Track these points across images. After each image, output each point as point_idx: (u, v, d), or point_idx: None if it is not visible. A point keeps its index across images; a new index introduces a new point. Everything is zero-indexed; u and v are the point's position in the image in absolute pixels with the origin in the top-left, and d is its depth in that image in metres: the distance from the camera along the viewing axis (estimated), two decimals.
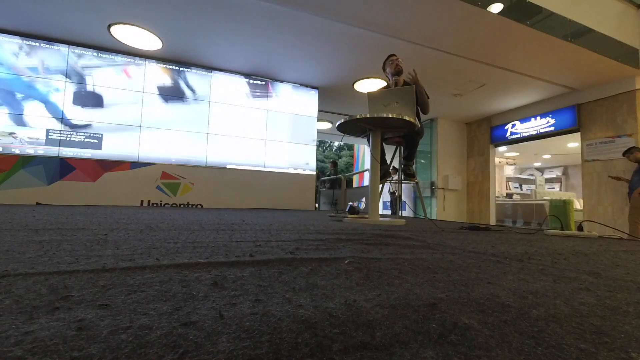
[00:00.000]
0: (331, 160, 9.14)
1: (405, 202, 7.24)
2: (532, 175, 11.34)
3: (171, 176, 4.48)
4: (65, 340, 0.30)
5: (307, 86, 5.41)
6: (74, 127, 4.12)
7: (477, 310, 0.45)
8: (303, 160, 5.30)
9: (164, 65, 4.61)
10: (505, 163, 10.90)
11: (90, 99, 4.22)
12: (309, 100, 5.43)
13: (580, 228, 2.01)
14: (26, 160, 3.87)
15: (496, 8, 3.31)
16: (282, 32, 3.84)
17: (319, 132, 6.80)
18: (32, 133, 3.95)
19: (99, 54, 4.31)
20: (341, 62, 4.54)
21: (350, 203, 3.26)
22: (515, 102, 5.79)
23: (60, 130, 4.06)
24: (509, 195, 9.89)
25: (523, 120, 5.96)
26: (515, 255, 1.00)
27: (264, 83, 5.13)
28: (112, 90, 4.33)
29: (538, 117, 5.68)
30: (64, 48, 4.15)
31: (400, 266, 0.74)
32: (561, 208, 2.06)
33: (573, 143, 7.59)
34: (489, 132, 6.64)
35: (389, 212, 8.21)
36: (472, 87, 5.19)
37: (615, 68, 4.23)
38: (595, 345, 0.35)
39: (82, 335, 0.31)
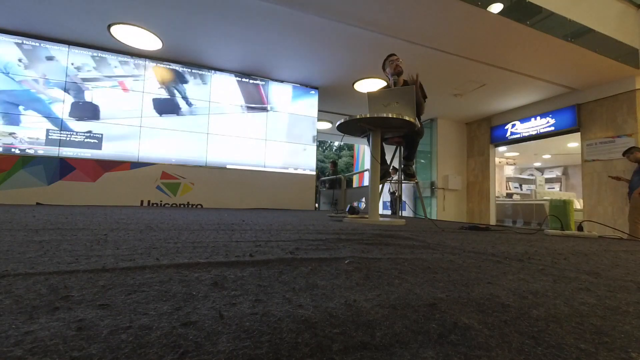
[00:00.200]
0: (331, 160, 9.14)
1: (405, 202, 7.24)
2: (532, 175, 11.34)
3: (171, 176, 4.48)
4: (65, 340, 0.30)
5: (307, 86, 5.41)
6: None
7: (477, 310, 0.45)
8: (303, 160, 5.30)
9: (164, 65, 4.61)
10: (505, 163, 10.90)
11: (88, 110, 4.21)
12: (309, 100, 5.43)
13: (580, 228, 2.01)
14: (26, 160, 3.87)
15: (496, 8, 3.31)
16: (283, 33, 3.84)
17: (319, 132, 6.80)
18: (32, 133, 3.95)
19: (99, 54, 4.31)
20: (341, 62, 4.54)
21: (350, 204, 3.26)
22: (515, 102, 5.79)
23: (60, 130, 4.06)
24: (509, 195, 9.89)
25: (523, 120, 5.96)
26: (515, 255, 1.00)
27: (264, 83, 5.14)
28: (111, 100, 4.32)
29: (538, 117, 5.68)
30: (64, 48, 4.15)
31: (400, 266, 0.74)
32: (561, 208, 2.06)
33: (573, 143, 7.59)
34: (489, 132, 6.64)
35: (389, 212, 8.21)
36: (472, 87, 5.19)
37: (615, 68, 4.23)
38: (595, 345, 0.35)
39: (82, 335, 0.31)
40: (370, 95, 2.45)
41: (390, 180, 3.72)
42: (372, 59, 4.21)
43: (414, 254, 0.93)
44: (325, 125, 7.60)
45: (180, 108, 4.66)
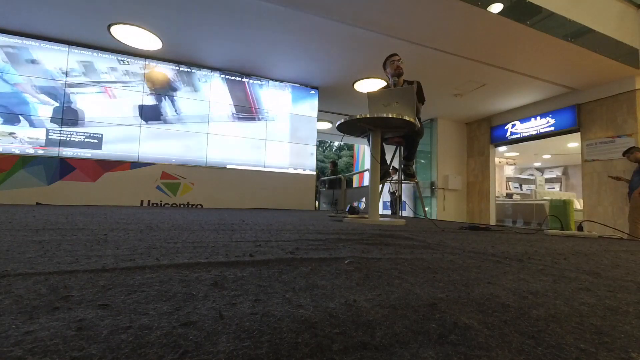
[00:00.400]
0: (331, 160, 9.14)
1: (405, 202, 7.24)
2: (532, 175, 11.34)
3: (171, 176, 4.48)
4: (65, 340, 0.30)
5: (307, 86, 5.41)
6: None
7: (477, 310, 0.45)
8: (303, 160, 5.30)
9: (164, 65, 4.61)
10: (505, 163, 10.90)
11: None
12: (309, 100, 5.43)
13: (580, 228, 2.01)
14: (26, 160, 3.87)
15: (496, 8, 3.31)
16: (283, 32, 3.84)
17: (319, 132, 6.81)
18: (32, 133, 3.95)
19: (99, 54, 4.31)
20: (341, 62, 4.54)
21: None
22: (515, 102, 5.79)
23: (61, 130, 4.06)
24: (509, 195, 9.89)
25: (523, 120, 5.96)
26: (515, 255, 1.00)
27: (264, 83, 5.14)
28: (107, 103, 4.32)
29: (538, 117, 5.68)
30: (63, 48, 4.15)
31: (400, 266, 0.74)
32: (561, 208, 2.06)
33: (573, 143, 7.59)
34: (489, 132, 6.64)
35: (389, 212, 8.21)
36: (472, 87, 5.19)
37: (615, 68, 4.23)
38: (595, 345, 0.35)
39: (82, 335, 0.31)
40: (370, 95, 2.45)
41: (390, 180, 3.72)
42: (372, 59, 4.21)
43: (414, 254, 0.93)
44: (325, 125, 7.60)
45: (180, 111, 4.66)
